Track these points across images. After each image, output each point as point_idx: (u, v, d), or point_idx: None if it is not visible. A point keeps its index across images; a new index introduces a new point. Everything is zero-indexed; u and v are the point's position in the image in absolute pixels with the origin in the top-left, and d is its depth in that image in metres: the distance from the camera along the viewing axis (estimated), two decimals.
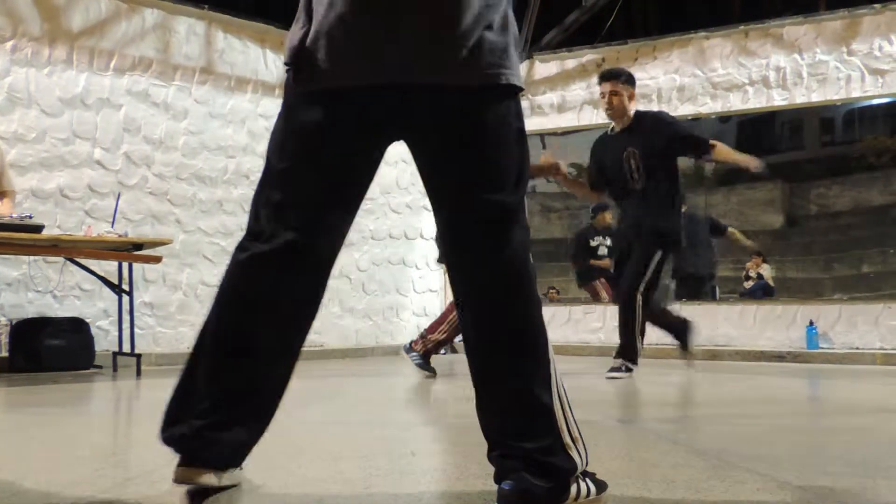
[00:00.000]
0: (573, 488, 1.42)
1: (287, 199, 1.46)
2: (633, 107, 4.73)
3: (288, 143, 1.47)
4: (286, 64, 1.47)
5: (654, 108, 7.74)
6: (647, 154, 4.58)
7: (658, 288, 4.79)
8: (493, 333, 1.44)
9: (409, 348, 4.71)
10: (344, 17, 1.38)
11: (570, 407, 1.46)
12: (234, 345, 1.46)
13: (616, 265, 5.04)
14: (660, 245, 4.57)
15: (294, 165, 1.46)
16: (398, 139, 1.50)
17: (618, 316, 4.73)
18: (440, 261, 4.81)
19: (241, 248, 1.49)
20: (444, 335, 4.65)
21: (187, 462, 1.42)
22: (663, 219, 4.61)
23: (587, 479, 1.47)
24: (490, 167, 1.42)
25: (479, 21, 1.38)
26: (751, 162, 4.70)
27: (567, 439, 1.42)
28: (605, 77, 4.75)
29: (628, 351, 4.65)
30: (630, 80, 4.73)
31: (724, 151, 4.77)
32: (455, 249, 1.48)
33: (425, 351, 4.68)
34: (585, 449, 1.46)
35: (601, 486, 1.51)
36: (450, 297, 8.43)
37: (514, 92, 1.44)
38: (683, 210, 7.97)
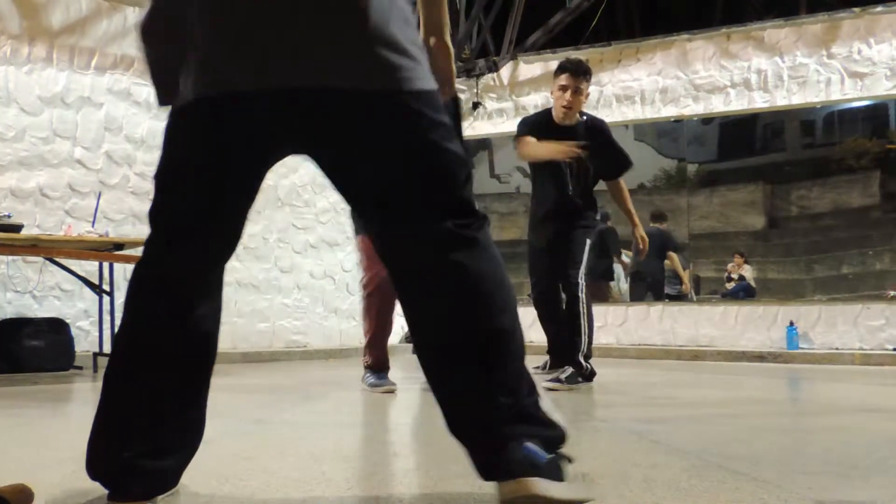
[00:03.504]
0: (563, 464, 1.31)
1: (167, 223, 1.38)
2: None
3: (168, 162, 1.39)
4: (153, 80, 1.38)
5: (638, 109, 7.79)
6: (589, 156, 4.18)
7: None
8: (465, 334, 1.32)
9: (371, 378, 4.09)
10: (219, 12, 1.27)
11: (540, 387, 1.39)
12: (142, 366, 1.37)
13: (539, 252, 4.43)
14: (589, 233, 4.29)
15: (173, 185, 1.38)
16: (291, 152, 1.39)
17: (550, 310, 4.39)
18: (359, 233, 4.08)
19: (136, 270, 1.42)
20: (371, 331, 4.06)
21: (116, 497, 1.34)
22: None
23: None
24: (420, 174, 1.32)
25: (385, 15, 1.26)
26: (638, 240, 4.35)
27: (545, 414, 1.33)
28: (576, 72, 4.19)
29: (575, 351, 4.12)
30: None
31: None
32: (402, 248, 1.36)
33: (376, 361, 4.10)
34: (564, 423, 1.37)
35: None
36: None
37: (429, 94, 1.33)
38: (656, 226, 8.08)
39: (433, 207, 1.32)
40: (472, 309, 1.31)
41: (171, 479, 1.42)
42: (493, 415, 1.27)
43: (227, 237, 1.43)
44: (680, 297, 7.88)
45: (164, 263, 1.38)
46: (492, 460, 1.28)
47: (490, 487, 1.67)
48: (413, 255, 1.34)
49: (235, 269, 6.72)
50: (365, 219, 1.44)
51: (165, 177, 1.39)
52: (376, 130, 1.29)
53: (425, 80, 1.32)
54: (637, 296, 8.12)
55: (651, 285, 8.13)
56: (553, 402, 1.38)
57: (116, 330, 1.39)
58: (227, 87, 1.27)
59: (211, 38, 1.28)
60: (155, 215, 1.40)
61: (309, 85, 1.25)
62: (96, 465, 1.36)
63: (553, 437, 1.31)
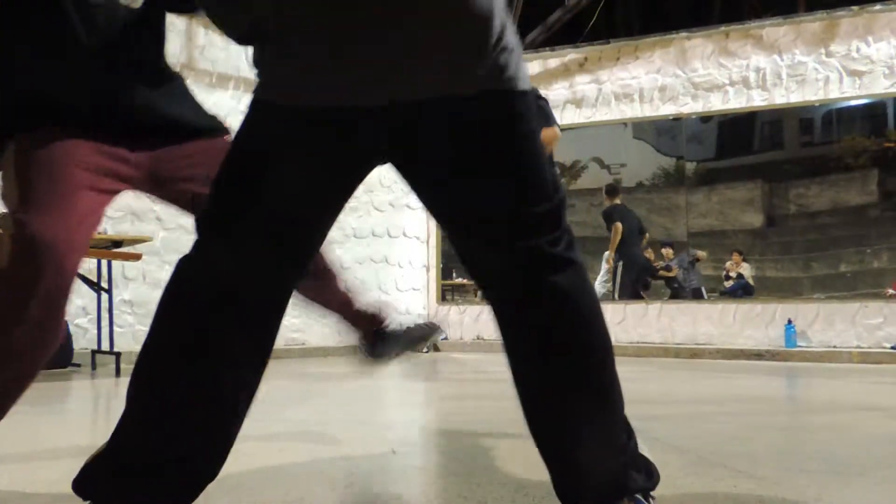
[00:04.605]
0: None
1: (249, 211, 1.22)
2: None
3: (256, 162, 1.23)
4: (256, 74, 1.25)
5: (637, 107, 7.79)
6: None
7: None
8: (557, 352, 1.21)
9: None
10: (317, 20, 1.14)
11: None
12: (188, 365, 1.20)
13: None
14: None
15: (258, 185, 1.22)
16: (386, 162, 1.28)
17: None
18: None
19: (185, 264, 1.27)
20: None
21: None
22: None
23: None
24: (525, 179, 1.21)
25: (484, 17, 1.15)
26: None
27: (643, 449, 1.29)
28: None
29: None
30: None
31: None
32: (498, 284, 1.24)
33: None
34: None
35: None
36: (432, 296, 8.45)
37: (527, 96, 1.24)
38: (617, 202, 7.98)
39: (527, 221, 1.20)
40: (579, 339, 1.22)
41: (187, 495, 1.24)
42: (616, 459, 1.21)
43: (299, 254, 1.28)
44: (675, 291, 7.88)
45: (225, 261, 1.22)
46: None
47: (486, 487, 1.67)
48: (508, 277, 1.22)
49: None
50: (454, 240, 1.29)
51: (241, 172, 1.24)
52: (476, 135, 1.19)
53: (525, 79, 1.23)
54: (625, 290, 8.05)
55: (640, 275, 8.06)
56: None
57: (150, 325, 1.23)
58: (335, 101, 1.17)
59: (314, 42, 1.16)
60: (219, 208, 1.25)
61: (421, 97, 1.16)
62: (86, 485, 1.21)
63: (650, 486, 1.26)
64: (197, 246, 1.26)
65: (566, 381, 1.21)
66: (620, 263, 7.99)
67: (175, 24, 6.63)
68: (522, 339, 1.23)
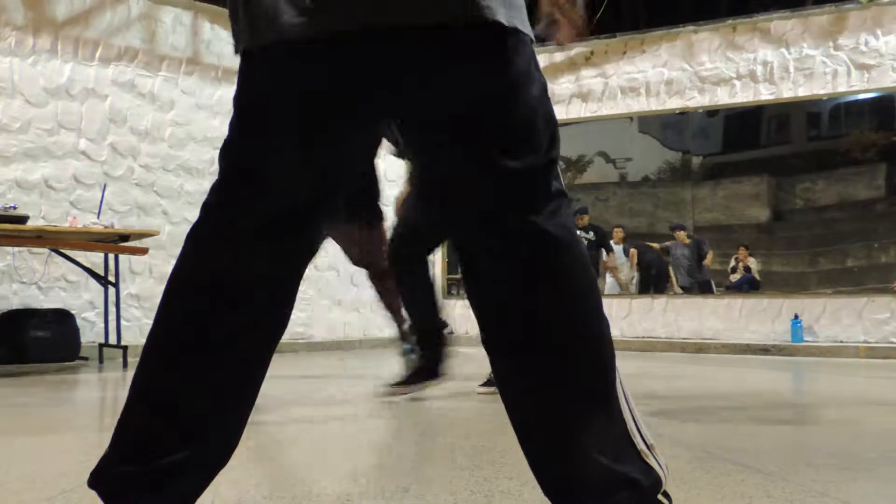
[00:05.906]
0: None
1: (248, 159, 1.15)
2: None
3: (250, 123, 1.19)
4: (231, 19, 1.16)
5: (643, 101, 7.76)
6: None
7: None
8: (542, 339, 1.09)
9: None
10: None
11: (635, 408, 1.12)
12: (192, 347, 1.13)
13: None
14: None
15: (258, 147, 1.16)
16: (388, 107, 1.13)
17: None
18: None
19: (203, 219, 1.16)
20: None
21: None
22: None
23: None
24: (516, 125, 1.07)
25: None
26: None
27: (641, 446, 1.08)
28: None
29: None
30: None
31: None
32: (469, 238, 1.14)
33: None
34: (664, 460, 1.10)
35: None
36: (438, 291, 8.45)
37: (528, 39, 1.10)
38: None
39: (510, 181, 1.08)
40: (573, 335, 1.09)
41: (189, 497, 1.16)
42: (589, 479, 1.05)
43: (323, 185, 1.15)
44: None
45: (242, 208, 1.13)
46: None
47: (493, 481, 1.67)
48: (492, 257, 1.11)
49: None
50: (445, 224, 1.19)
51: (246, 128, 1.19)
52: (457, 72, 1.06)
53: (518, 18, 1.07)
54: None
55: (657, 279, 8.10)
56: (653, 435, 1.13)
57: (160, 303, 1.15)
58: (304, 32, 1.06)
59: None
60: (231, 152, 1.18)
61: (397, 24, 1.03)
62: (98, 474, 1.13)
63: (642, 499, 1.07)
64: (202, 231, 1.17)
65: (554, 381, 1.08)
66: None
67: (181, 18, 6.64)
68: (509, 332, 1.13)
